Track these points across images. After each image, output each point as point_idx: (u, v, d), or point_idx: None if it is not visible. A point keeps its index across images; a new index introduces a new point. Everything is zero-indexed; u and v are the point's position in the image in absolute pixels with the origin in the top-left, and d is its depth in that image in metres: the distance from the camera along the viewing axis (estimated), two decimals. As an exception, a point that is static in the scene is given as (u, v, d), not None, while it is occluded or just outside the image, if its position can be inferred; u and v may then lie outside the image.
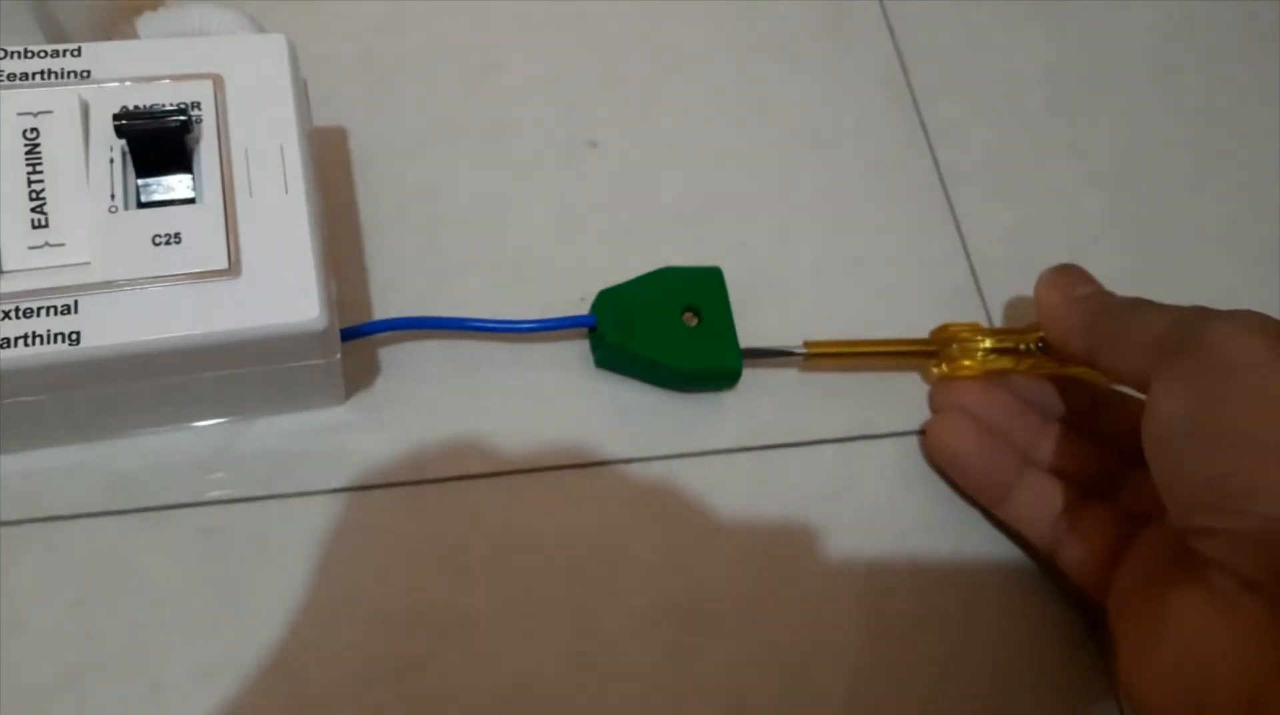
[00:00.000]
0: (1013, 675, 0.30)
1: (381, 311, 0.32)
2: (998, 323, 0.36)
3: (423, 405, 0.31)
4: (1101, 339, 0.28)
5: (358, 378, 0.31)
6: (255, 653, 0.27)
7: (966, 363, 0.33)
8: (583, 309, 0.32)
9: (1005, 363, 0.33)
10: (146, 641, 0.27)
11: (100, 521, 0.28)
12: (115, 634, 0.27)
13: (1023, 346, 0.32)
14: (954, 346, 0.33)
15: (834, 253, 0.36)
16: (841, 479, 0.32)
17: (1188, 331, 0.25)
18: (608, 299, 0.32)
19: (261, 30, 0.32)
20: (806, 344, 0.32)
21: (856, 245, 0.36)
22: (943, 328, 0.33)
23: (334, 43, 0.37)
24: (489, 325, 0.31)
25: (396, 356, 0.32)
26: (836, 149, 0.38)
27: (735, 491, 0.31)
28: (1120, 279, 0.30)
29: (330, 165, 0.34)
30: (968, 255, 0.37)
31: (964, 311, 0.36)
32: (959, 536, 0.32)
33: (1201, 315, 0.26)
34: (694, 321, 0.32)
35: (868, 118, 0.39)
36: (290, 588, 0.28)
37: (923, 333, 0.34)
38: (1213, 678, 0.23)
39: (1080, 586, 0.30)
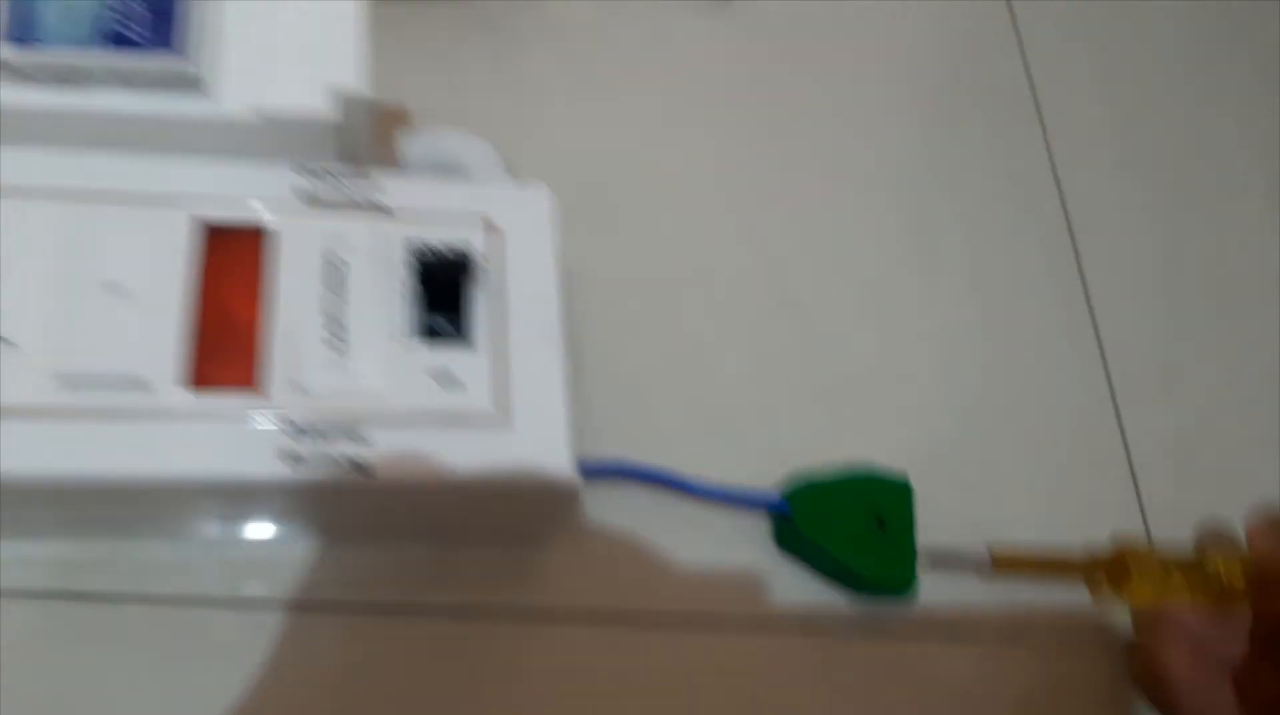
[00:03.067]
0: None
1: (582, 448, 0.34)
2: (1154, 528, 0.38)
3: (612, 549, 0.33)
4: None
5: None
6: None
7: (1144, 587, 0.33)
8: (769, 471, 0.35)
9: (1186, 592, 0.33)
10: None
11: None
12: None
13: (1221, 582, 0.32)
14: (1134, 569, 0.33)
15: (997, 445, 0.38)
16: (1019, 682, 0.34)
17: None
18: (803, 489, 0.34)
19: (510, 164, 0.34)
20: (991, 551, 0.34)
21: (1017, 434, 0.39)
22: (1121, 545, 0.34)
23: (555, 173, 0.39)
24: (692, 487, 0.33)
25: (594, 499, 0.33)
26: (1008, 333, 0.41)
27: (898, 676, 0.33)
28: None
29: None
30: (1130, 462, 0.39)
31: (1121, 512, 0.38)
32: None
33: None
34: (879, 527, 0.34)
35: (1040, 305, 0.42)
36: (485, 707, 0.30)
37: (1075, 533, 0.35)
38: None
39: None
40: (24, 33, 0.26)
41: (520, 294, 0.30)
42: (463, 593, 0.31)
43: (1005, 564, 0.34)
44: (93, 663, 0.28)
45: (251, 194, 0.28)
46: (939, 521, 0.34)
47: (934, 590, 0.34)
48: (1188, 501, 0.35)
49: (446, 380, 0.28)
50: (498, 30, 0.42)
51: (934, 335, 0.40)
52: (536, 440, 0.28)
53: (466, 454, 0.27)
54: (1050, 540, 0.35)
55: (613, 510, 0.34)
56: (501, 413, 0.28)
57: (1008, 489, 0.38)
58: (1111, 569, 0.33)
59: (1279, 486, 0.33)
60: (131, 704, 0.28)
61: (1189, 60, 0.51)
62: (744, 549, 0.34)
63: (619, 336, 0.37)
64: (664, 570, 0.33)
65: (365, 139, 0.31)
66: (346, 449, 0.26)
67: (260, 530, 0.30)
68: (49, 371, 0.25)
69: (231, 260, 0.28)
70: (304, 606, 0.30)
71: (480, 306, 0.29)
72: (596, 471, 0.32)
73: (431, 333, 0.29)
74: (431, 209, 0.30)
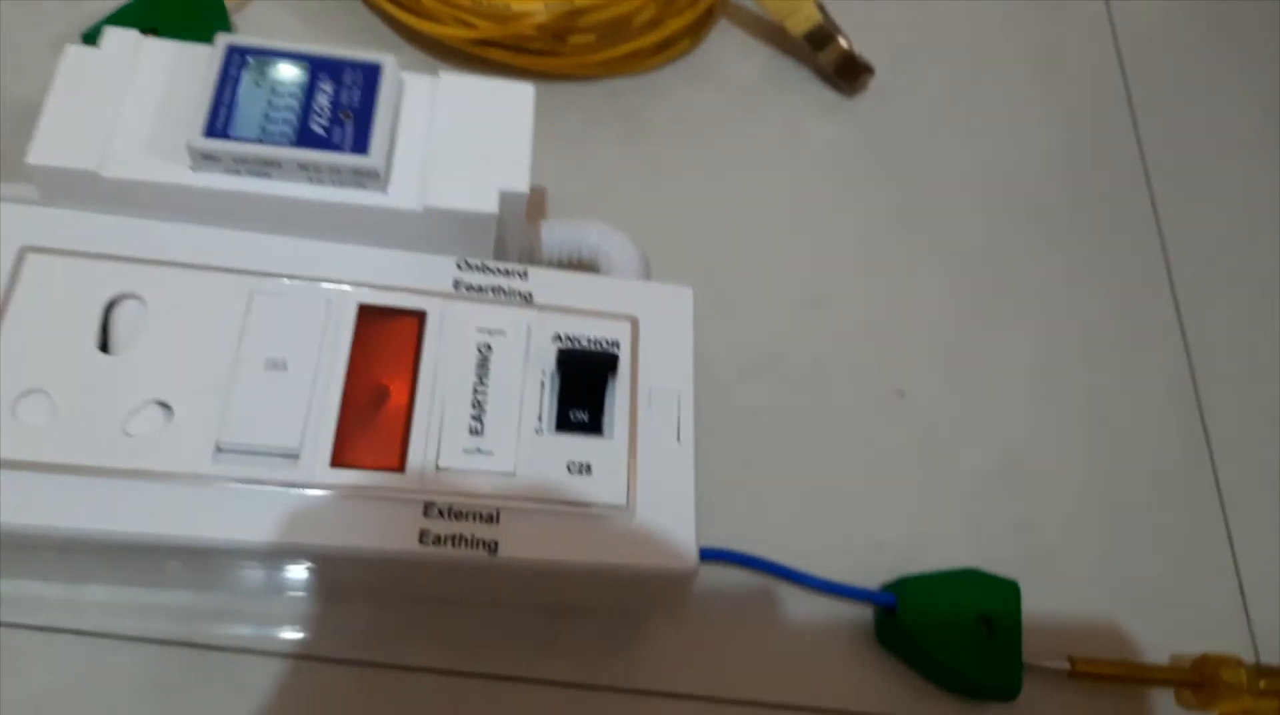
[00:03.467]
0: None
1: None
2: (1263, 651, 0.36)
3: (719, 631, 0.33)
4: None
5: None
6: None
7: (1231, 702, 0.33)
8: (870, 566, 0.35)
9: (1271, 706, 0.33)
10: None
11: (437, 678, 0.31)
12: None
13: None
14: (1220, 685, 0.33)
15: (1106, 552, 0.38)
16: None
17: None
18: (911, 586, 0.34)
19: (646, 257, 0.35)
20: (1071, 660, 0.33)
21: (1126, 546, 0.38)
22: (1209, 660, 0.34)
23: (681, 260, 0.40)
24: (802, 578, 0.34)
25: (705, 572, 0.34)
26: (1123, 443, 0.40)
27: None
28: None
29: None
30: (1239, 578, 0.38)
31: (1228, 635, 0.37)
32: None
33: None
34: (986, 632, 0.33)
35: (1154, 417, 0.41)
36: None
37: (1180, 647, 0.35)
38: None
39: None
40: (219, 125, 0.28)
41: (657, 390, 0.30)
42: (567, 666, 0.32)
43: (1086, 673, 0.33)
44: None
45: (414, 282, 0.30)
46: (1040, 632, 0.34)
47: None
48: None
49: (579, 469, 0.29)
50: (629, 120, 0.44)
51: (1046, 449, 0.40)
52: (663, 534, 0.28)
53: (592, 541, 0.28)
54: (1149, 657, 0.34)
55: (719, 596, 0.34)
56: (630, 506, 0.28)
57: (1112, 603, 0.37)
58: (1196, 681, 0.33)
59: None
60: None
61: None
62: (846, 644, 0.34)
63: (736, 424, 0.37)
64: (764, 658, 0.33)
65: (517, 234, 0.33)
66: (479, 531, 0.27)
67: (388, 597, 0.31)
68: (206, 440, 0.27)
69: (390, 344, 0.29)
70: (410, 669, 0.31)
71: (618, 401, 0.30)
72: (707, 556, 0.33)
73: (569, 423, 0.29)
74: (579, 306, 0.31)
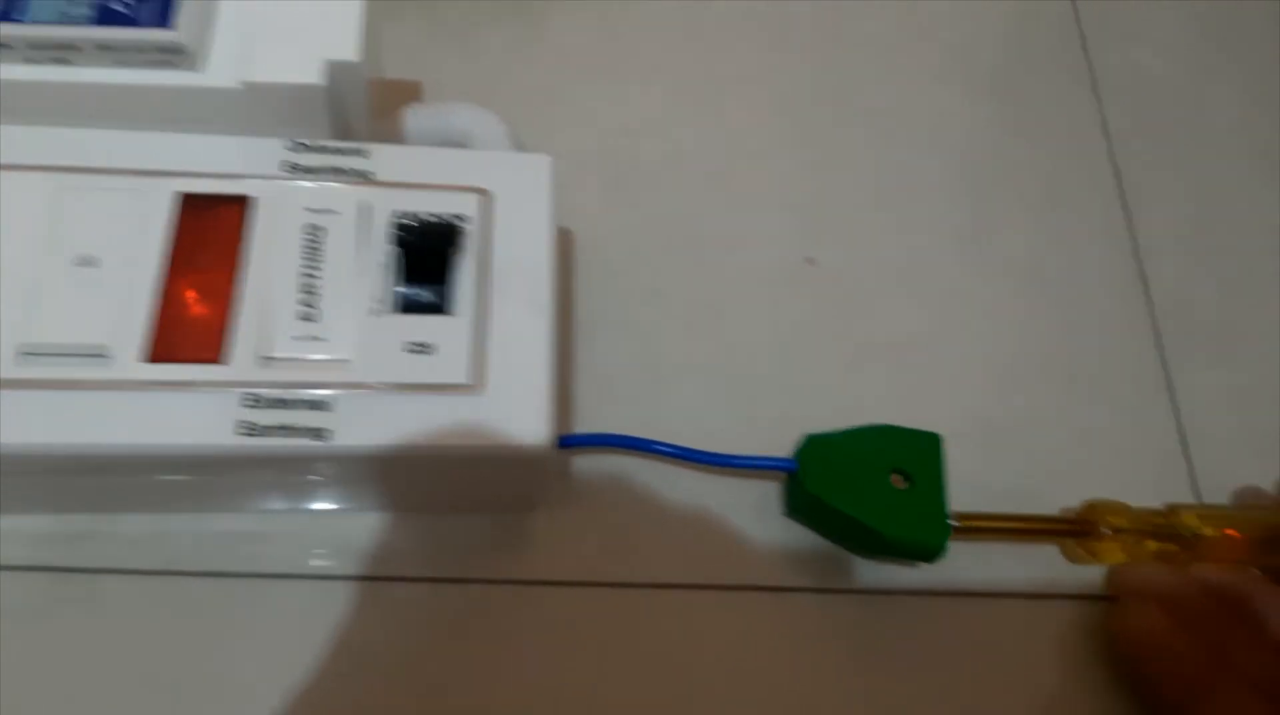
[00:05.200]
0: None
1: (589, 414, 0.33)
2: (1206, 496, 0.34)
3: (609, 516, 0.32)
4: None
5: (554, 485, 0.32)
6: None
7: (1114, 549, 0.31)
8: (785, 439, 0.32)
9: (1152, 547, 0.31)
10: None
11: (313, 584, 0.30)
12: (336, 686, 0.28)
13: (1177, 533, 0.31)
14: (1102, 527, 0.31)
15: (1037, 402, 0.35)
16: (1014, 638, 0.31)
17: None
18: (814, 446, 0.31)
19: (517, 136, 0.33)
20: (956, 516, 0.30)
21: (1063, 396, 0.36)
22: (1092, 508, 0.32)
23: (573, 141, 0.38)
24: (688, 454, 0.31)
25: (592, 467, 0.32)
26: (1054, 296, 0.38)
27: (914, 634, 0.31)
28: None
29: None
30: (1178, 418, 0.36)
31: (1169, 479, 0.34)
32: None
33: None
34: (903, 485, 0.31)
35: (1089, 268, 0.39)
36: (476, 665, 0.29)
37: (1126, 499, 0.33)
38: None
39: None
40: (12, 8, 0.27)
41: (510, 261, 0.28)
42: (464, 564, 0.30)
43: (969, 529, 0.31)
44: (73, 630, 0.28)
45: (238, 167, 0.28)
46: (973, 493, 0.31)
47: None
48: (1243, 469, 0.32)
49: (421, 350, 0.27)
50: (521, 5, 0.41)
51: (973, 303, 0.37)
52: (513, 411, 0.26)
53: (433, 423, 0.26)
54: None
55: (617, 483, 0.32)
56: (476, 381, 0.26)
57: (1048, 459, 0.34)
58: (1079, 529, 0.32)
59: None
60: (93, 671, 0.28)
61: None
62: (755, 520, 0.32)
63: (640, 306, 0.35)
64: (670, 542, 0.32)
65: (361, 113, 0.31)
66: (307, 418, 0.25)
67: (270, 503, 0.30)
68: (10, 344, 0.25)
69: (211, 232, 0.27)
70: (295, 576, 0.30)
71: (465, 276, 0.28)
72: (590, 443, 0.31)
73: (411, 302, 0.27)
74: (425, 181, 0.29)
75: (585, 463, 0.32)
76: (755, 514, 0.32)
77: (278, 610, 0.29)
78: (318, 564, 0.30)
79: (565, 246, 0.36)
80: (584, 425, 0.32)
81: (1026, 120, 0.42)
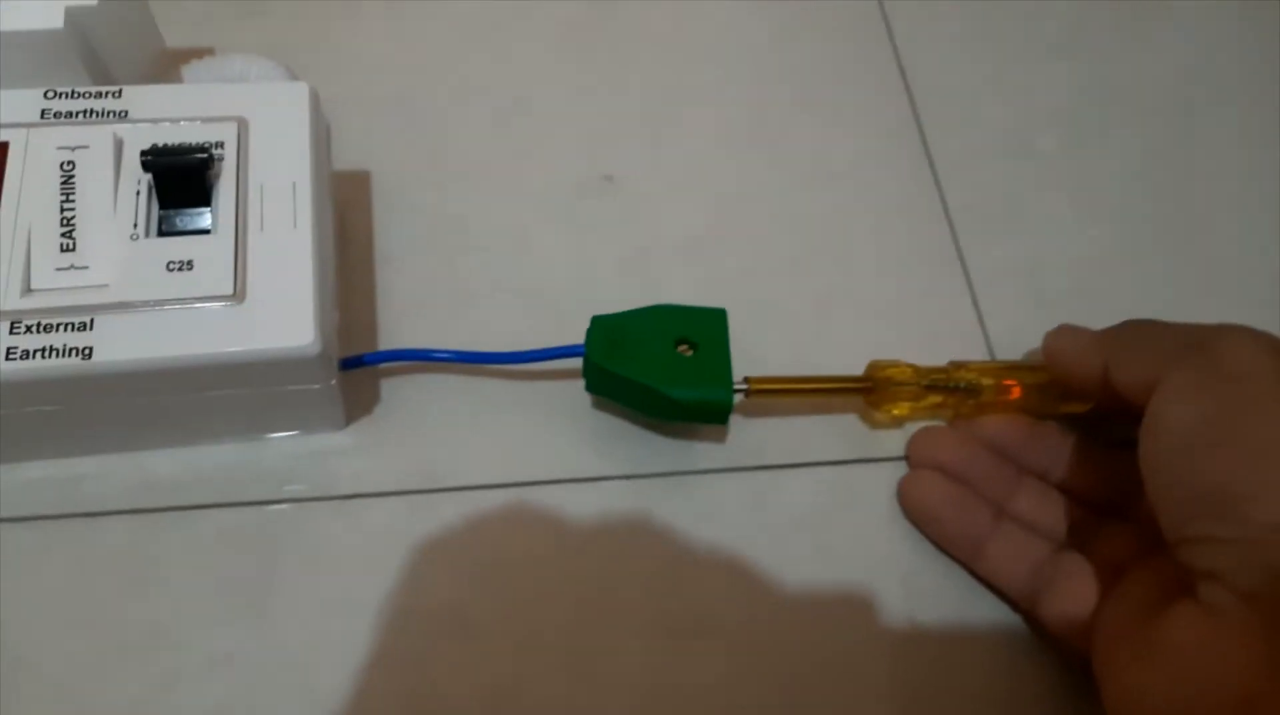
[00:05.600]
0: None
1: (393, 342, 0.34)
2: (1001, 356, 0.36)
3: (419, 429, 0.33)
4: (1112, 353, 0.29)
5: (360, 404, 0.33)
6: (265, 645, 0.29)
7: (899, 403, 0.33)
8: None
9: (935, 399, 0.33)
10: (166, 631, 0.29)
11: (127, 519, 0.30)
12: (135, 624, 0.29)
13: (956, 385, 0.33)
14: (889, 386, 0.33)
15: (839, 287, 0.37)
16: (830, 506, 0.33)
17: (1196, 342, 0.26)
18: (601, 326, 0.32)
19: (294, 78, 0.34)
20: (748, 380, 0.32)
21: (862, 280, 0.37)
22: (875, 365, 0.33)
23: (363, 86, 0.39)
24: (480, 357, 0.32)
25: (399, 386, 0.33)
26: (845, 186, 0.40)
27: (726, 511, 0.32)
28: (1126, 315, 0.30)
29: (352, 204, 0.37)
30: (972, 291, 0.38)
31: (967, 348, 0.36)
32: (938, 587, 0.32)
33: (1210, 329, 0.27)
34: (689, 353, 0.32)
35: (877, 155, 0.41)
36: (298, 586, 0.30)
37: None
38: (1206, 691, 0.23)
39: (1062, 637, 0.29)
40: None
41: (269, 183, 0.30)
42: (267, 486, 0.31)
43: (758, 391, 0.32)
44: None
45: (-3, 118, 0.29)
46: (765, 369, 0.33)
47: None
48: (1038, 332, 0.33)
49: (181, 268, 0.28)
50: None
51: (762, 199, 0.39)
52: (278, 317, 0.28)
53: (197, 333, 0.27)
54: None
55: (416, 396, 0.33)
56: (239, 294, 0.28)
57: (842, 338, 0.36)
58: (864, 386, 0.33)
59: (1125, 312, 0.30)
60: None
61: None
62: (563, 415, 0.33)
63: (442, 234, 0.37)
64: (476, 445, 0.33)
65: (128, 63, 0.32)
66: (70, 339, 0.26)
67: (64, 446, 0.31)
68: None
69: (-34, 177, 0.28)
70: (96, 514, 0.30)
71: (222, 197, 0.29)
72: (379, 360, 0.32)
73: (169, 227, 0.29)
74: (181, 115, 0.30)
75: (394, 383, 0.33)
76: (560, 413, 0.33)
77: (96, 549, 0.30)
78: (133, 500, 0.31)
79: (362, 185, 0.38)
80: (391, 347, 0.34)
81: (805, 20, 0.44)
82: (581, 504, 0.32)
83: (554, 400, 0.34)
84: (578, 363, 0.32)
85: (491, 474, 0.32)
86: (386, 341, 0.34)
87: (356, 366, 0.32)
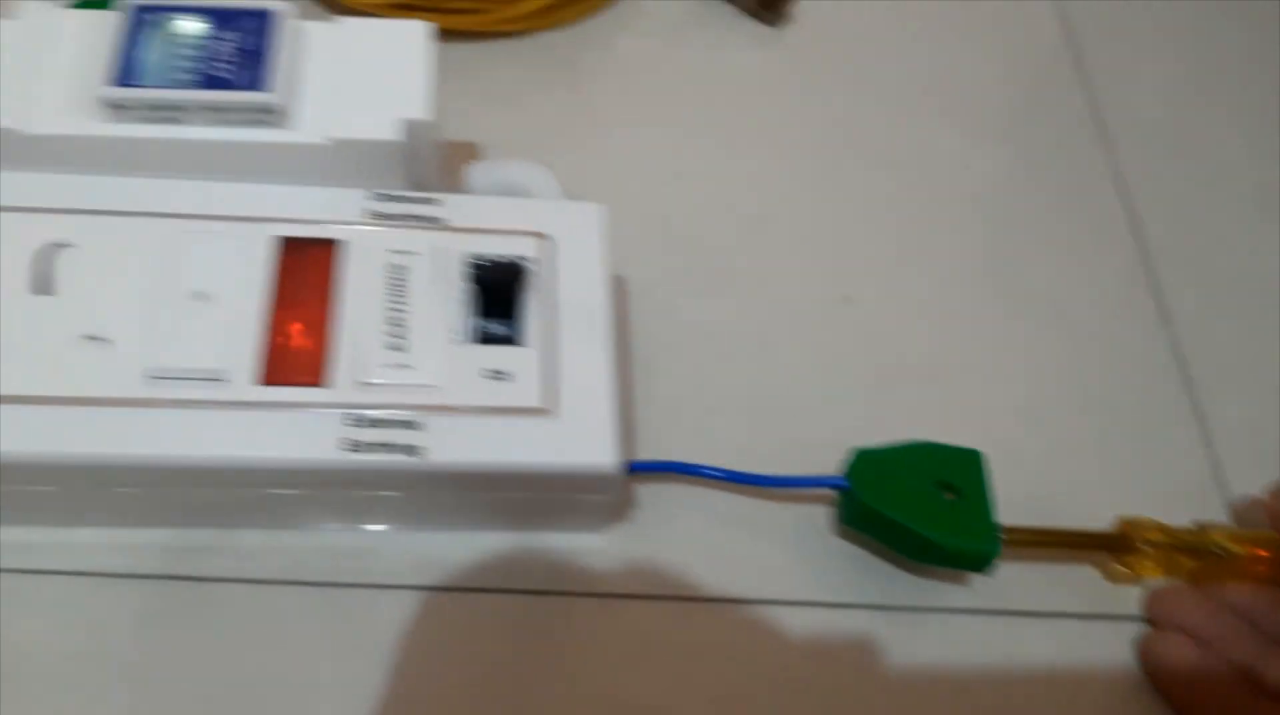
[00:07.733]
0: None
1: (648, 444, 0.35)
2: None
3: (672, 537, 0.34)
4: None
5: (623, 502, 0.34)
6: None
7: (1145, 562, 0.34)
8: (828, 462, 0.34)
9: (1189, 563, 0.33)
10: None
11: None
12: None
13: (1207, 548, 0.33)
14: (1139, 543, 0.33)
15: (1069, 432, 0.38)
16: (1070, 660, 0.33)
17: None
18: (864, 461, 0.33)
19: (563, 189, 0.36)
20: (1005, 530, 0.32)
21: (1091, 426, 0.38)
22: (1126, 520, 0.34)
23: (619, 193, 0.41)
24: (747, 478, 0.33)
25: (656, 492, 0.35)
26: (1077, 330, 0.41)
27: (967, 653, 0.33)
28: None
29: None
30: (1210, 448, 0.38)
31: (1203, 506, 0.37)
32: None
33: None
34: (951, 498, 0.33)
35: (1109, 302, 0.42)
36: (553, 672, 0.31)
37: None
38: None
39: None
40: (131, 74, 0.30)
41: (570, 299, 0.31)
42: (537, 576, 0.33)
43: (1017, 541, 0.33)
44: (195, 640, 0.30)
45: (326, 214, 0.31)
46: (1006, 513, 0.33)
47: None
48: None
49: (498, 377, 0.30)
50: (565, 70, 0.45)
51: (997, 334, 0.40)
52: (582, 433, 0.29)
53: (513, 443, 0.29)
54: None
55: (675, 507, 0.34)
56: (550, 406, 0.29)
57: (1078, 484, 0.37)
58: (1117, 543, 0.34)
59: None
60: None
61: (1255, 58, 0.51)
62: (812, 537, 0.35)
63: (687, 342, 0.38)
64: (729, 559, 0.34)
65: (433, 167, 0.34)
66: (402, 437, 0.28)
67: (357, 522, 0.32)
68: (138, 368, 0.28)
69: (306, 271, 0.30)
70: (384, 587, 0.32)
71: (532, 311, 0.31)
72: (653, 469, 0.34)
73: (486, 334, 0.31)
74: (490, 225, 0.32)
75: (652, 489, 0.35)
76: (805, 535, 0.35)
77: (381, 619, 0.31)
78: (415, 578, 0.32)
79: (620, 292, 0.39)
80: (646, 452, 0.35)
81: (1035, 162, 0.46)
82: (826, 627, 0.33)
83: (800, 522, 0.35)
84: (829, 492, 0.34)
85: (743, 588, 0.33)
86: (644, 447, 0.35)
87: (629, 474, 0.33)
